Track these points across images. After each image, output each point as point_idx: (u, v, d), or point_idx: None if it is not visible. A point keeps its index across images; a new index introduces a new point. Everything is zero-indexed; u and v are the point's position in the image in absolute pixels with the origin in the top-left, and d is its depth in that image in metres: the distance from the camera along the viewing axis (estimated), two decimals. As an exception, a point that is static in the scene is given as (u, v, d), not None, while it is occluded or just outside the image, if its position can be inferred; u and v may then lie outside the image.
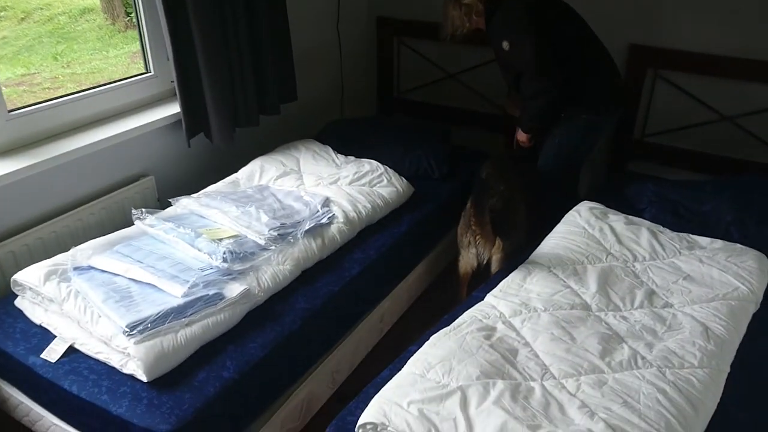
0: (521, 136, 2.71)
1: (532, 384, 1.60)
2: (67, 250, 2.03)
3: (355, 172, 2.67)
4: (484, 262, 2.32)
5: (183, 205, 2.32)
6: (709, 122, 2.99)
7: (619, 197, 2.66)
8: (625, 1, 3.00)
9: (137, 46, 2.70)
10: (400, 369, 1.68)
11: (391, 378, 1.64)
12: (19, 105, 2.27)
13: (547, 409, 1.51)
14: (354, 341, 2.28)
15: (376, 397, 1.57)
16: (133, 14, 2.69)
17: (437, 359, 1.66)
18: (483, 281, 2.20)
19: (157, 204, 2.60)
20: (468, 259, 2.37)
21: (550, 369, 1.65)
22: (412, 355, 1.73)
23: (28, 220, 2.21)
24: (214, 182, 2.62)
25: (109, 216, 2.42)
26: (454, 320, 1.86)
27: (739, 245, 2.23)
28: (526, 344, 1.75)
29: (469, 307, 1.94)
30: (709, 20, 2.84)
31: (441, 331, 1.81)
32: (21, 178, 2.12)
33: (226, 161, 2.86)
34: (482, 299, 1.98)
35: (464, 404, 1.51)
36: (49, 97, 2.36)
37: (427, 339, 1.79)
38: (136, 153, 2.55)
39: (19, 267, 2.00)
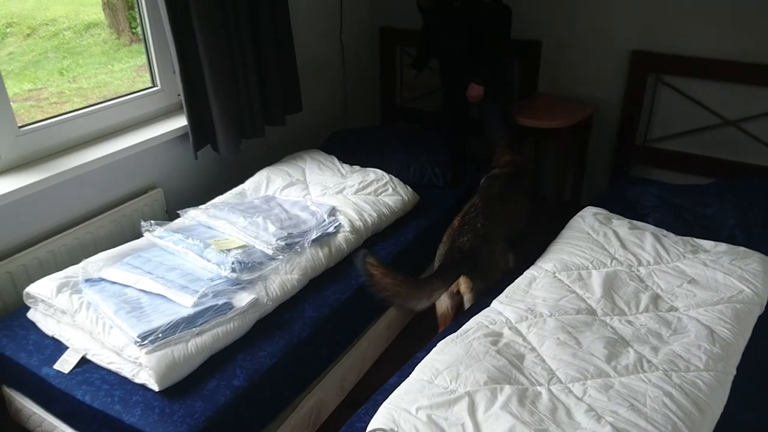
0: (476, 91, 2.93)
1: (539, 389, 1.61)
2: (77, 263, 2.06)
3: (361, 182, 2.70)
4: (418, 308, 2.13)
5: (191, 216, 2.35)
6: (712, 126, 3.01)
7: (622, 202, 2.67)
8: (627, 7, 3.02)
9: (142, 59, 2.74)
10: (407, 375, 1.70)
11: (399, 384, 1.66)
12: (27, 120, 2.31)
13: (555, 414, 1.52)
14: (361, 349, 2.30)
15: (384, 403, 1.58)
16: (138, 28, 2.72)
17: (445, 365, 1.67)
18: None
19: (166, 216, 2.63)
20: (442, 299, 2.27)
21: (557, 374, 1.66)
22: (419, 361, 1.74)
23: (39, 234, 2.24)
24: (222, 193, 2.65)
25: (118, 228, 2.45)
26: (461, 326, 1.88)
27: (743, 248, 2.23)
28: (533, 349, 1.76)
29: (476, 313, 1.95)
30: (710, 25, 2.86)
31: (448, 337, 1.82)
32: (32, 193, 2.15)
33: (232, 172, 2.89)
34: (488, 305, 1.99)
35: (472, 409, 1.52)
36: (56, 112, 2.40)
37: (434, 345, 1.80)
38: (144, 166, 2.58)
39: (31, 280, 2.03)
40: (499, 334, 1.82)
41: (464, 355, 1.70)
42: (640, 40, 3.04)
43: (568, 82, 3.32)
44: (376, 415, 1.56)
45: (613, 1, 3.05)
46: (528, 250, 2.36)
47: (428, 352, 1.78)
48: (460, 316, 2.05)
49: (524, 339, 1.80)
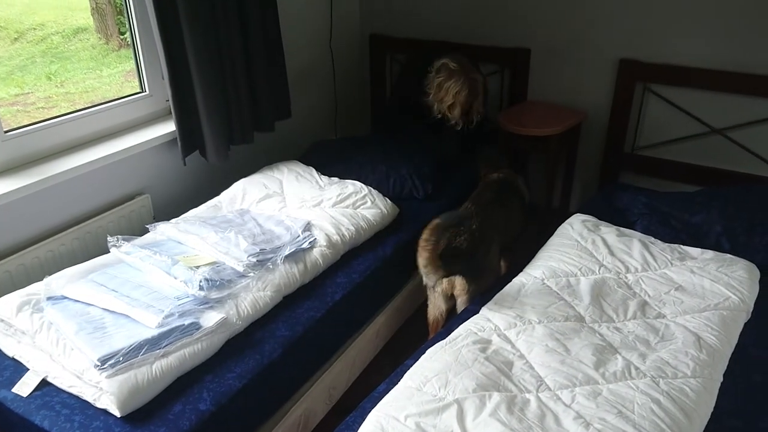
0: None
1: (528, 396, 1.61)
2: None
3: (339, 194, 2.62)
4: (433, 285, 2.21)
5: (161, 231, 2.27)
6: (699, 135, 3.04)
7: (610, 209, 2.68)
8: (615, 16, 3.05)
9: (131, 65, 2.73)
10: (396, 383, 1.69)
11: (387, 392, 1.65)
12: (14, 125, 2.29)
13: (543, 421, 1.52)
14: (350, 357, 2.28)
15: (373, 411, 1.58)
16: (126, 33, 2.71)
17: (433, 372, 1.67)
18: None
19: (154, 222, 2.61)
20: (436, 303, 2.28)
21: (546, 381, 1.66)
22: (408, 368, 1.74)
23: (25, 240, 2.22)
24: (210, 199, 2.63)
25: (105, 234, 2.42)
26: (450, 333, 1.87)
27: (729, 255, 2.25)
28: (521, 356, 1.76)
29: (465, 320, 1.95)
30: (697, 35, 2.89)
31: (437, 344, 1.82)
32: (17, 199, 2.13)
33: (221, 178, 2.87)
34: (477, 312, 1.99)
35: (461, 417, 1.52)
36: (43, 117, 2.38)
37: (423, 352, 1.80)
38: (131, 172, 2.56)
39: (16, 287, 1.99)
40: (488, 341, 1.81)
41: (453, 363, 1.70)
42: (628, 49, 3.06)
43: (557, 89, 3.34)
44: (364, 423, 1.55)
45: (602, 9, 3.07)
46: (521, 256, 2.36)
47: (417, 360, 1.77)
48: (449, 323, 2.04)
49: (513, 346, 1.80)
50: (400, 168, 2.85)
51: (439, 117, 3.02)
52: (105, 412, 1.63)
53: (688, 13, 2.88)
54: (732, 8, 2.78)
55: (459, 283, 2.17)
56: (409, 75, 3.33)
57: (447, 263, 2.14)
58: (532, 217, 2.86)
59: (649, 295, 2.04)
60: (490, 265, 2.30)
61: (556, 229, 2.47)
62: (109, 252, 2.17)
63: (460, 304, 2.21)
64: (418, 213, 2.73)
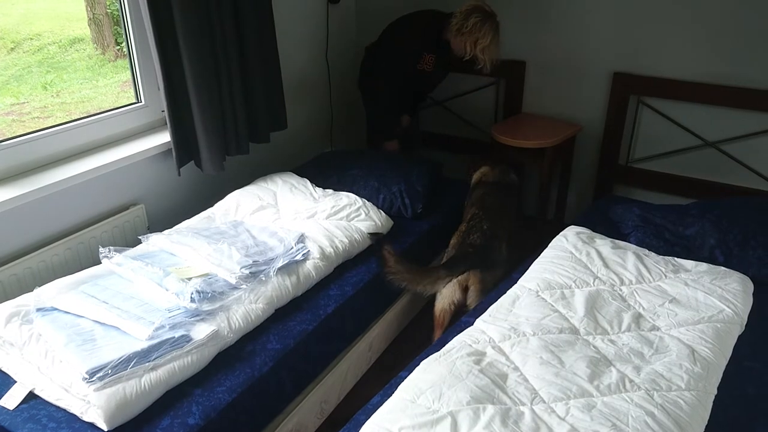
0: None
1: (522, 408, 1.60)
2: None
3: (333, 206, 2.60)
4: (423, 293, 2.38)
5: (153, 242, 2.26)
6: (692, 147, 3.05)
7: (605, 221, 2.69)
8: (609, 30, 3.07)
9: (127, 75, 2.73)
10: (390, 395, 1.68)
11: (381, 404, 1.64)
12: (8, 135, 2.29)
13: (537, 434, 1.52)
14: (342, 371, 2.26)
15: (366, 423, 1.57)
16: (123, 44, 2.72)
17: (427, 384, 1.66)
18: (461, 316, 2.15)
19: (148, 232, 2.61)
20: (446, 293, 2.34)
21: (540, 393, 1.65)
22: (402, 380, 1.73)
23: (18, 250, 2.21)
24: (205, 210, 2.63)
25: (99, 245, 2.41)
26: (444, 345, 1.87)
27: (723, 268, 2.25)
28: (516, 369, 1.75)
29: (459, 332, 1.95)
30: (690, 49, 2.92)
31: (431, 356, 1.81)
32: (11, 208, 2.12)
33: (216, 189, 2.87)
34: (471, 324, 1.99)
35: (455, 429, 1.51)
36: (39, 127, 2.38)
37: (417, 364, 1.79)
38: (126, 182, 2.56)
39: (8, 298, 1.98)
40: (482, 353, 1.81)
41: (447, 375, 1.69)
42: (622, 62, 3.09)
43: (552, 102, 3.36)
44: (357, 435, 1.54)
45: (596, 23, 3.10)
46: (521, 259, 2.43)
47: (411, 372, 1.77)
48: (444, 335, 2.04)
49: (507, 358, 1.79)
50: (391, 185, 2.81)
51: (467, 59, 2.92)
52: (92, 425, 1.61)
53: (681, 27, 2.91)
54: (724, 23, 2.81)
55: (473, 275, 2.35)
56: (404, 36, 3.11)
57: (461, 260, 2.37)
58: (528, 228, 2.87)
59: (643, 308, 2.04)
60: (501, 258, 2.50)
61: (550, 241, 2.47)
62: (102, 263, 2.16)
63: (472, 293, 2.35)
64: (411, 227, 2.74)
